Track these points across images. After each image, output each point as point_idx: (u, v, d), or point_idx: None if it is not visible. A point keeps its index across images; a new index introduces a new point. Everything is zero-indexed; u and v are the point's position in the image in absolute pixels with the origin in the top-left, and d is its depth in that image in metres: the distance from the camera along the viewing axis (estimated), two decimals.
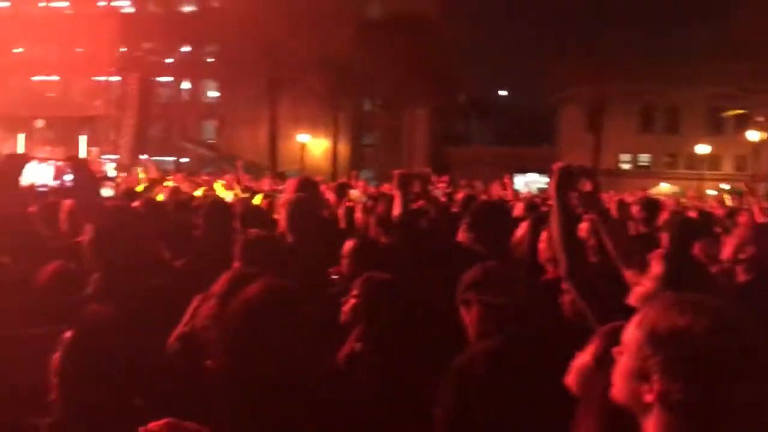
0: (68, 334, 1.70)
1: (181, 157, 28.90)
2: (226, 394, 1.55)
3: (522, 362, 1.89)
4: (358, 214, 4.84)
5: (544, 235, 3.02)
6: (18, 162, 2.22)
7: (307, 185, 4.25)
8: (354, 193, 6.29)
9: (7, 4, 25.84)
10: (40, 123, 19.61)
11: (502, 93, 48.94)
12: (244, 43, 26.39)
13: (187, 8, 29.27)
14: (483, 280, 2.10)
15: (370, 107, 33.14)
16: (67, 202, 3.59)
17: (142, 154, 25.14)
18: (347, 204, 5.30)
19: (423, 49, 26.90)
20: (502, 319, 2.03)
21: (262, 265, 3.12)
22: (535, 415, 1.80)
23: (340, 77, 27.99)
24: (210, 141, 31.08)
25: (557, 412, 1.49)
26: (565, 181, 2.00)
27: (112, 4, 26.39)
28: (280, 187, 7.98)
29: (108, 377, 1.63)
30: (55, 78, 26.34)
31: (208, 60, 29.93)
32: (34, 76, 25.88)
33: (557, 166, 2.02)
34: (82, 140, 21.86)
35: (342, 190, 5.77)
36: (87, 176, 2.28)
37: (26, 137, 20.62)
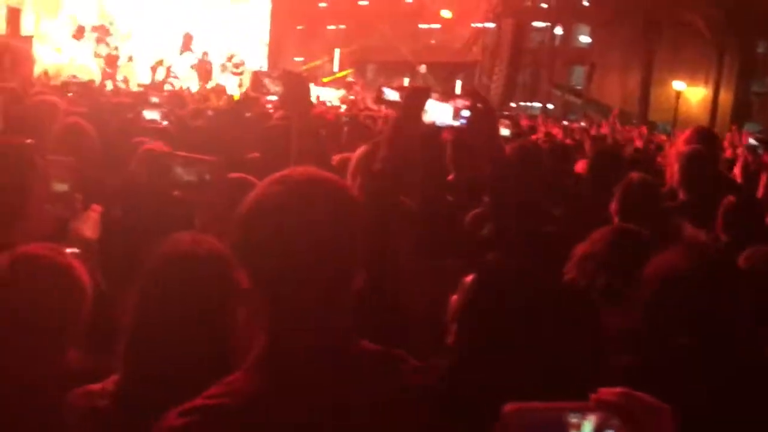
0: (468, 278, 1.68)
1: (548, 103, 28.88)
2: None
3: None
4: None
5: None
6: (422, 96, 2.23)
7: (706, 136, 3.79)
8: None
9: None
10: (422, 68, 21.32)
11: None
12: None
13: None
14: None
15: (764, 49, 28.98)
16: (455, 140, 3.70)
17: (511, 100, 25.66)
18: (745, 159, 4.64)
19: None
20: None
21: (640, 213, 2.88)
22: None
23: (729, 14, 24.92)
24: (577, 87, 30.42)
25: None
26: None
27: None
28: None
29: (506, 328, 1.57)
30: (437, 26, 28.09)
31: (584, 3, 29.00)
32: (420, 23, 27.94)
33: None
34: (458, 85, 23.10)
35: None
36: (485, 113, 2.21)
37: (409, 81, 22.49)
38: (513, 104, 25.03)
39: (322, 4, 29.91)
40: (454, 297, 1.71)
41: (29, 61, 17.09)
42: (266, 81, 2.95)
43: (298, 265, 1.17)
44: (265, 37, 29.26)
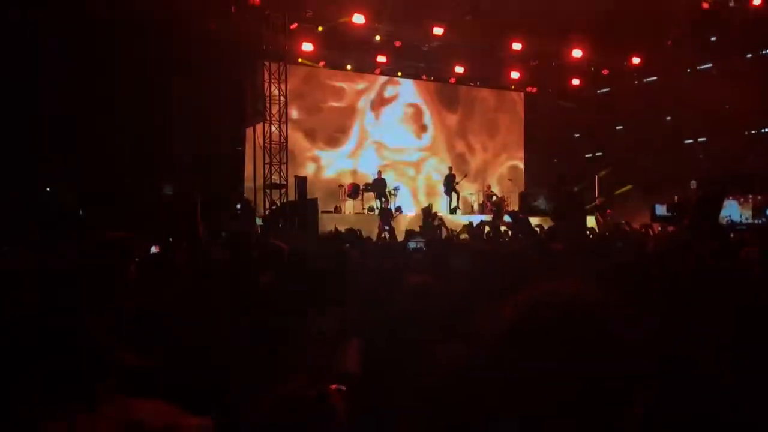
0: None
1: None
2: None
3: None
4: None
5: None
6: (714, 203, 2.01)
7: None
8: None
9: (654, 78, 27.39)
10: (693, 184, 19.95)
11: None
12: None
13: None
14: None
15: None
16: None
17: None
18: None
19: None
20: None
21: None
22: None
23: None
24: None
25: None
26: None
27: (762, 53, 25.13)
28: None
29: None
30: (703, 139, 26.44)
31: None
32: (684, 140, 26.54)
33: None
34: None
35: None
36: None
37: (678, 199, 21.05)
38: None
39: (576, 135, 29.95)
40: None
41: (314, 219, 19.24)
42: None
43: None
44: (521, 169, 29.94)
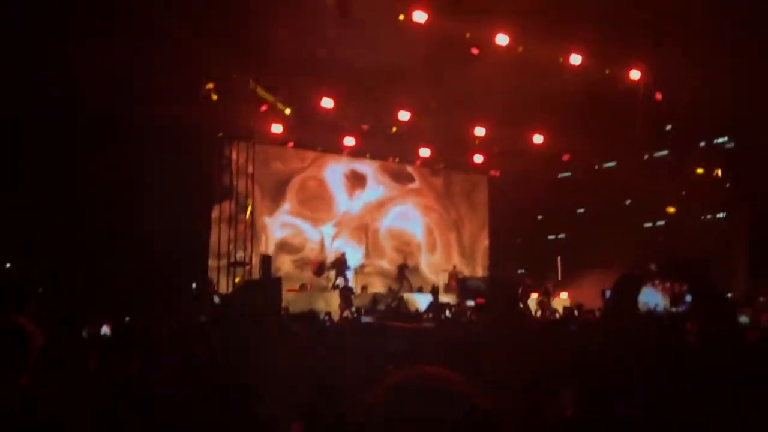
0: None
1: None
2: None
3: None
4: None
5: None
6: (634, 282, 2.10)
7: None
8: None
9: (614, 163, 28.18)
10: (653, 267, 20.37)
11: None
12: None
13: None
14: None
15: None
16: None
17: (762, 294, 23.17)
18: None
19: None
20: None
21: None
22: None
23: None
24: None
25: None
26: None
27: (715, 141, 26.26)
28: None
29: None
30: (662, 222, 27.14)
31: None
32: (645, 222, 27.19)
33: None
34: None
35: None
36: (714, 298, 1.99)
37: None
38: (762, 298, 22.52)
39: (540, 217, 30.51)
40: None
41: (279, 299, 19.01)
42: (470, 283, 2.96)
43: None
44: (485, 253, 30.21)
